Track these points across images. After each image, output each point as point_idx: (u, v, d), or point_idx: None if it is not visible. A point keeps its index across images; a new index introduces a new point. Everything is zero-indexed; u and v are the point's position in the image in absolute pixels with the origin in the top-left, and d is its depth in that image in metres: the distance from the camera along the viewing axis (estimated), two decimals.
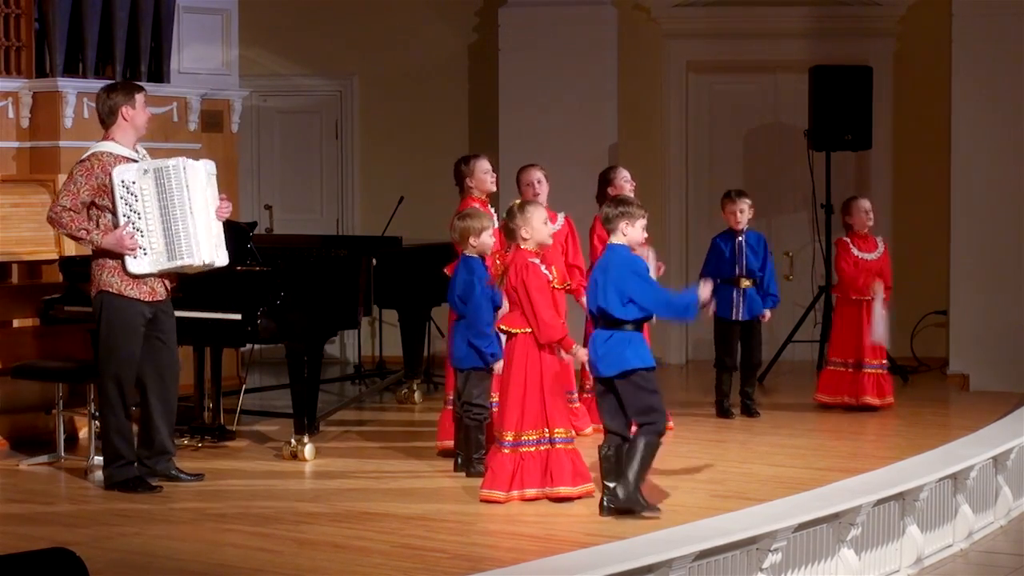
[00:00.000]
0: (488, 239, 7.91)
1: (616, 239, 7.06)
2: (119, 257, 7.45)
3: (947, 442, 8.47)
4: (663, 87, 12.58)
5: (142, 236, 7.43)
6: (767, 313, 9.87)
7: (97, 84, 10.07)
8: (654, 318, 7.09)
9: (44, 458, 8.40)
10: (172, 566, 6.17)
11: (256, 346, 9.82)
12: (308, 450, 8.39)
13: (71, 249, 9.29)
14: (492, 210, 8.66)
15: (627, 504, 6.88)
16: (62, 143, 9.97)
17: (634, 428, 7.04)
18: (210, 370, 9.08)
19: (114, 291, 7.49)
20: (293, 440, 8.42)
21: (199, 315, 8.04)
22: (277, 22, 12.69)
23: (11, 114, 10.02)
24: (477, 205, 8.38)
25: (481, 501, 7.23)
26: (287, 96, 13.07)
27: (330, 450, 8.68)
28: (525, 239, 7.32)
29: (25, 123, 10.08)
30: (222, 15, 11.17)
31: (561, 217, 9.00)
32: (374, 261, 8.92)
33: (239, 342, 9.10)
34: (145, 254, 7.45)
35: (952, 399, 10.82)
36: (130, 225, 7.41)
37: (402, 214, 11.56)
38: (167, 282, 7.64)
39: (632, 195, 9.12)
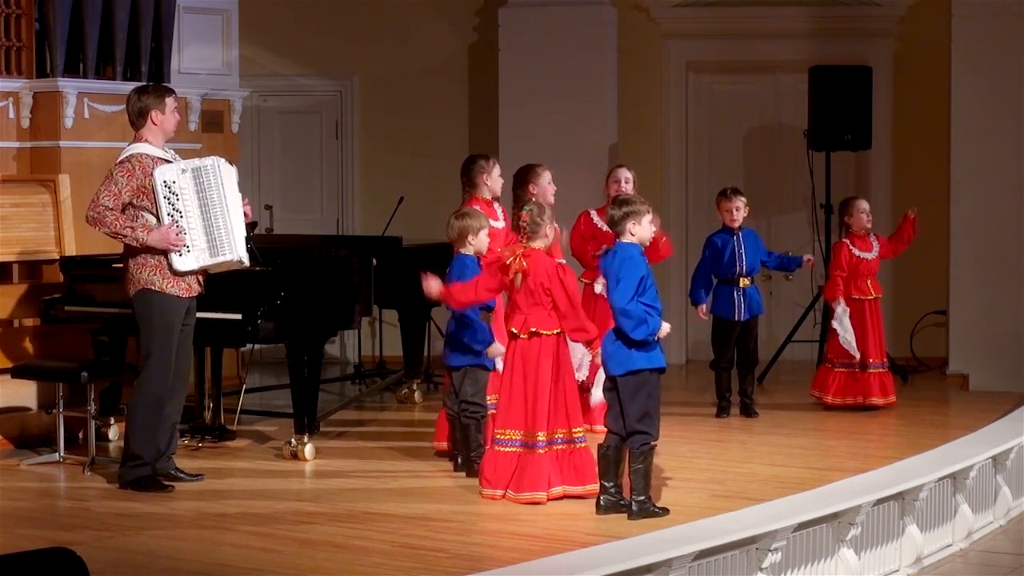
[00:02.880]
0: (484, 238, 7.92)
1: (625, 239, 7.07)
2: (160, 255, 7.53)
3: (947, 442, 8.47)
4: (663, 87, 12.58)
5: (184, 234, 7.52)
6: (809, 258, 10.07)
7: (97, 84, 10.14)
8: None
9: (44, 458, 8.41)
10: (172, 566, 6.18)
11: (256, 346, 9.82)
12: (308, 450, 8.40)
13: (71, 249, 9.31)
14: (498, 209, 8.65)
15: (643, 516, 6.92)
16: (62, 143, 9.98)
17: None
18: (210, 370, 9.08)
19: (156, 289, 7.57)
20: (293, 440, 8.43)
21: (200, 315, 8.02)
22: (277, 22, 12.69)
23: (11, 114, 10.02)
24: (478, 206, 8.37)
25: (525, 504, 7.19)
26: (287, 96, 13.07)
27: (330, 450, 8.69)
28: (547, 237, 7.38)
29: (25, 123, 10.09)
30: (222, 15, 11.17)
31: None
32: (374, 261, 8.92)
33: (239, 342, 9.10)
34: (189, 251, 7.56)
35: (952, 399, 10.82)
36: (174, 224, 7.48)
37: (402, 214, 11.56)
38: (200, 278, 7.74)
39: (623, 196, 9.14)
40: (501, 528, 6.85)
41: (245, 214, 7.80)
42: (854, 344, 9.93)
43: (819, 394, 10.16)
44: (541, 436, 7.27)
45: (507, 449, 7.35)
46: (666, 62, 12.58)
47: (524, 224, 7.37)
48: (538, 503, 7.21)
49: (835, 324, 9.98)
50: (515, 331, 7.37)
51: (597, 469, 7.11)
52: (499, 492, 7.33)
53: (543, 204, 7.59)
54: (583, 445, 7.37)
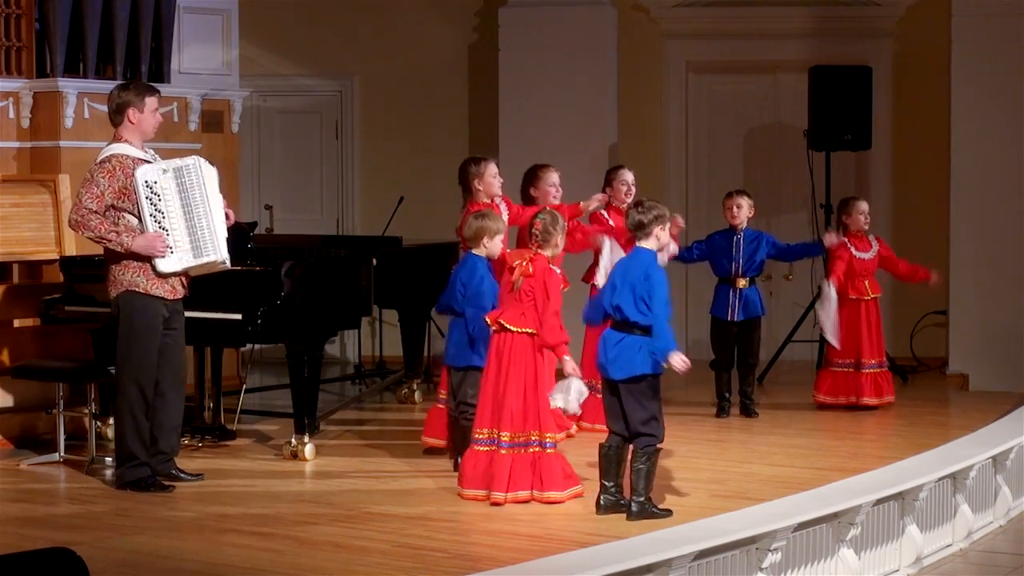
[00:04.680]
0: (499, 243, 7.89)
1: (648, 244, 7.06)
2: (145, 257, 7.47)
3: (947, 442, 8.47)
4: (663, 87, 12.58)
5: (168, 235, 7.48)
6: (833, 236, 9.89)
7: (97, 84, 10.14)
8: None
9: (44, 458, 8.41)
10: (173, 566, 6.18)
11: (256, 346, 9.82)
12: (308, 450, 8.40)
13: (71, 249, 9.31)
14: (504, 208, 8.64)
15: (643, 517, 6.92)
16: (62, 143, 9.98)
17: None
18: (210, 370, 9.08)
19: (141, 291, 7.52)
20: (293, 440, 8.43)
21: (200, 315, 8.04)
22: (277, 22, 12.69)
23: (11, 114, 10.03)
24: (487, 210, 8.36)
25: (492, 504, 7.21)
26: (287, 96, 13.08)
27: (330, 450, 8.69)
28: (557, 247, 7.40)
29: (25, 123, 10.09)
30: (222, 15, 11.17)
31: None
32: (374, 261, 8.92)
33: (239, 342, 9.10)
34: (172, 252, 7.50)
35: (952, 399, 10.82)
36: (157, 225, 7.45)
37: (402, 214, 11.56)
38: (184, 280, 7.69)
39: (628, 198, 9.22)
40: (501, 528, 6.84)
41: (227, 216, 7.74)
42: (833, 329, 9.89)
43: (815, 394, 10.18)
44: (505, 436, 7.27)
45: (482, 448, 7.37)
46: (666, 62, 12.58)
47: (536, 232, 7.38)
48: (496, 504, 7.19)
49: (818, 306, 9.95)
50: (487, 322, 7.43)
51: (599, 468, 7.10)
52: (480, 492, 7.32)
53: (556, 214, 7.56)
54: (552, 451, 7.33)
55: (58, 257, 9.22)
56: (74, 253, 9.25)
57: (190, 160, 7.61)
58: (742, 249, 9.81)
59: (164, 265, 7.50)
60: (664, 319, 6.91)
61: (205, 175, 7.59)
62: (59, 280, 9.02)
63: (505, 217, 8.50)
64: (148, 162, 7.59)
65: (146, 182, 7.47)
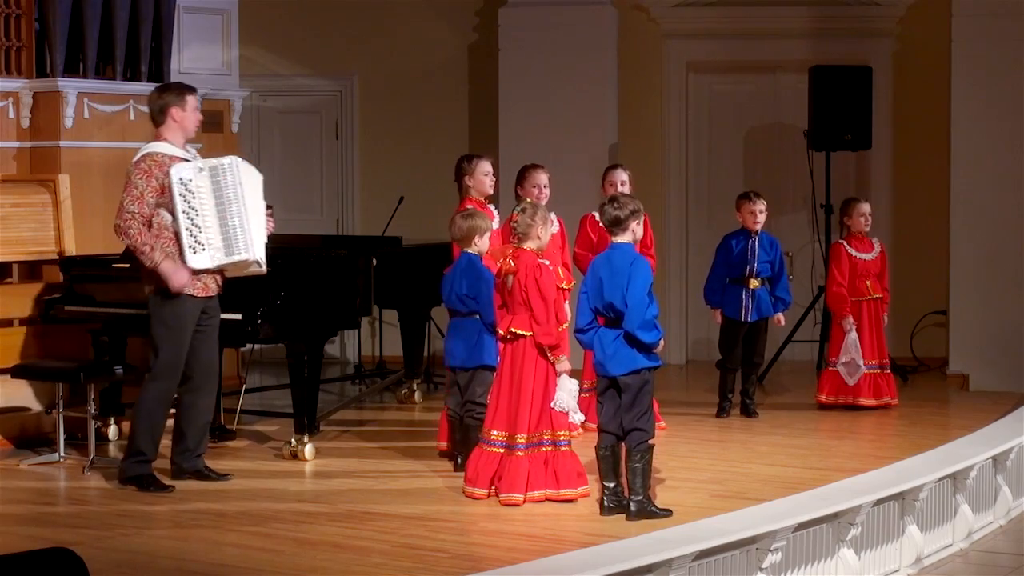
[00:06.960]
0: (487, 240, 7.92)
1: (625, 238, 7.08)
2: (176, 254, 7.49)
3: (947, 442, 8.48)
4: (663, 87, 12.58)
5: (200, 232, 7.52)
6: (780, 317, 9.89)
7: (97, 84, 10.14)
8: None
9: (44, 458, 8.41)
10: (172, 566, 6.18)
11: (256, 346, 9.82)
12: (308, 450, 8.40)
13: (71, 249, 9.31)
14: (494, 210, 8.64)
15: (642, 517, 6.92)
16: (62, 143, 9.97)
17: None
18: None
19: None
20: (293, 440, 8.43)
21: None
22: (277, 22, 12.70)
23: (11, 114, 10.02)
24: (471, 207, 8.35)
25: (502, 505, 7.21)
26: (287, 96, 13.08)
27: (330, 450, 8.69)
28: (539, 239, 7.36)
29: (25, 123, 10.08)
30: (222, 15, 11.17)
31: (554, 218, 9.03)
32: (374, 261, 8.92)
33: (239, 342, 9.10)
34: (204, 249, 7.53)
35: (952, 399, 10.82)
36: (189, 222, 7.48)
37: (402, 214, 11.56)
38: (218, 278, 7.73)
39: (620, 196, 9.16)
40: (501, 528, 6.84)
41: (270, 224, 7.83)
42: (857, 366, 9.94)
43: (818, 393, 10.17)
44: (521, 438, 7.28)
45: (492, 449, 7.37)
46: (666, 62, 12.58)
47: (514, 225, 7.39)
48: (514, 505, 7.20)
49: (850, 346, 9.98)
50: (501, 332, 7.42)
51: (598, 470, 7.10)
52: (480, 491, 7.34)
53: (537, 205, 7.57)
54: (566, 449, 7.35)
55: (58, 257, 9.22)
56: (74, 253, 9.25)
57: (227, 159, 7.68)
58: (757, 253, 9.82)
59: (195, 261, 7.53)
60: (642, 316, 6.89)
61: (243, 176, 7.65)
62: (59, 280, 9.02)
63: (555, 229, 8.43)
64: (186, 160, 7.63)
65: (180, 179, 7.51)
